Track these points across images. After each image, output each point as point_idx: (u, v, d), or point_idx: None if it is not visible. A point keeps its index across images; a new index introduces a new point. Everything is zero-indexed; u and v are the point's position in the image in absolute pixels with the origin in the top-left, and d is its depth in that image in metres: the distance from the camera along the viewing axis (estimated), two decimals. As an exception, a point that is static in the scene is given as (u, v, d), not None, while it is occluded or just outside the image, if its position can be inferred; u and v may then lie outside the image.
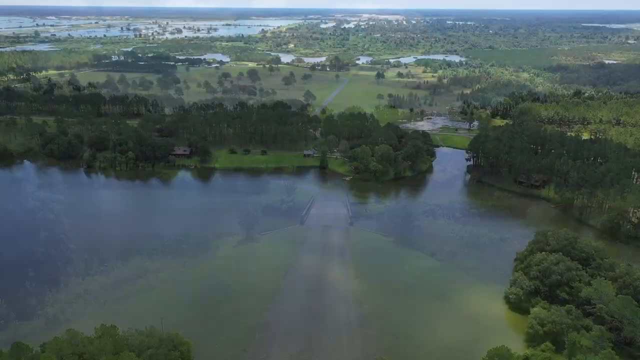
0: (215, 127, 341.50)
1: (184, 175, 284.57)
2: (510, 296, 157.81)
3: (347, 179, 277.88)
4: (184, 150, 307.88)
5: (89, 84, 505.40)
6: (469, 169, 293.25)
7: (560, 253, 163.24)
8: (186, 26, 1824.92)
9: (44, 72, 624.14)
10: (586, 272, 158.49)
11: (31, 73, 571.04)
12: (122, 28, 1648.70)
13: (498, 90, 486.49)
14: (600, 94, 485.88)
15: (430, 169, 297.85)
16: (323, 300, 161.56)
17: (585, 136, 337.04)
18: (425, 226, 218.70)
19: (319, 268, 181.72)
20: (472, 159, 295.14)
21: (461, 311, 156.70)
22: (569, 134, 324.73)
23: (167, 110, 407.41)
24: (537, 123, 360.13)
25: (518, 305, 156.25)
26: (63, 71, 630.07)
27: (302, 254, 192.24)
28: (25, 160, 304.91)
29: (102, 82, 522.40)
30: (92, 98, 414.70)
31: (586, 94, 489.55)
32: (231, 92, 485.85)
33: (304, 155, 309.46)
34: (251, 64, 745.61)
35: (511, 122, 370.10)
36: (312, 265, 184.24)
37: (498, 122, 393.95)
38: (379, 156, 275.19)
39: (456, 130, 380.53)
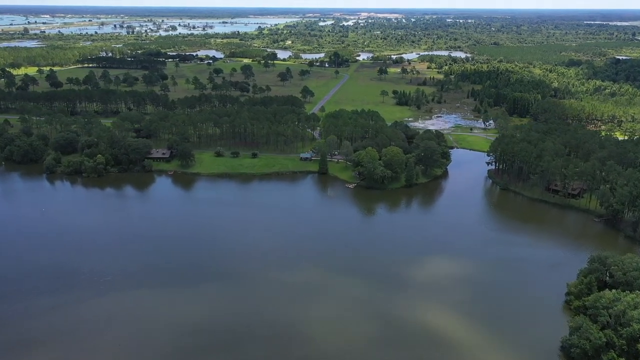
0: (200, 126, 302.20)
1: (161, 183, 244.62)
2: (572, 350, 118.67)
3: (351, 186, 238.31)
4: (163, 153, 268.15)
5: (68, 79, 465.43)
6: (491, 174, 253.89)
7: (638, 291, 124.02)
8: (181, 24, 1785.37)
9: (22, 69, 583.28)
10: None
11: (7, 69, 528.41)
12: (115, 26, 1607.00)
13: (512, 86, 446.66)
14: (622, 89, 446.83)
15: (445, 174, 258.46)
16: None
17: (618, 136, 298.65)
18: (448, 244, 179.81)
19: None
20: (494, 163, 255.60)
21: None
22: (602, 133, 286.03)
23: (150, 108, 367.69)
24: (564, 122, 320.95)
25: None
26: (44, 67, 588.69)
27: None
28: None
29: (84, 78, 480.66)
30: (67, 95, 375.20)
31: (607, 90, 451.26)
32: (222, 89, 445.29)
33: (301, 159, 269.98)
34: (246, 61, 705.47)
35: (533, 121, 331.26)
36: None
37: (516, 120, 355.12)
38: (387, 160, 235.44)
39: (471, 129, 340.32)
